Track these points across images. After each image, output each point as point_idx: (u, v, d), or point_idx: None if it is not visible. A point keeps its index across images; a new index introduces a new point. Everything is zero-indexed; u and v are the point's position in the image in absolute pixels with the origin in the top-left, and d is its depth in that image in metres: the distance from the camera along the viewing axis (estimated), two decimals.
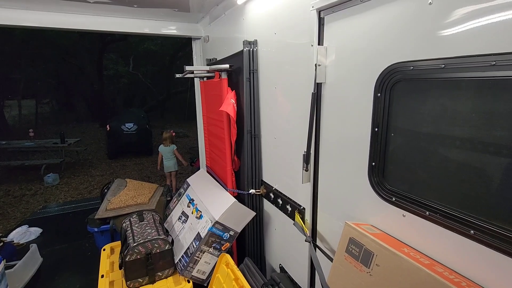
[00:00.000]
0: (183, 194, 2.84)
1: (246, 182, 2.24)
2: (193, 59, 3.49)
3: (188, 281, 2.15)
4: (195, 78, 3.42)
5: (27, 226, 4.19)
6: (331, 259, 1.44)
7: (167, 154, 5.25)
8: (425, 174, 1.03)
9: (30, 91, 14.78)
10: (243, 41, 2.05)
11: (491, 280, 0.85)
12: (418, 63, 0.99)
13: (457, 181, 0.93)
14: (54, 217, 4.85)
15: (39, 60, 13.21)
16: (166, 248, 2.18)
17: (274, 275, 1.97)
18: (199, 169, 3.43)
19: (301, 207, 1.72)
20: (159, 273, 2.17)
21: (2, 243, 3.13)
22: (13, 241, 3.69)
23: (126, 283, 2.08)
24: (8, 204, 5.71)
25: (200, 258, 2.13)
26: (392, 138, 1.14)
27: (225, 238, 2.15)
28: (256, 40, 2.04)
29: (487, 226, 0.84)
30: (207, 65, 3.06)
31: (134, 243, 2.10)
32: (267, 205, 2.23)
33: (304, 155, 1.58)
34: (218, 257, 2.17)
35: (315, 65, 1.43)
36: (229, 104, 2.17)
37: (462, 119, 0.90)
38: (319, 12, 1.42)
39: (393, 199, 1.13)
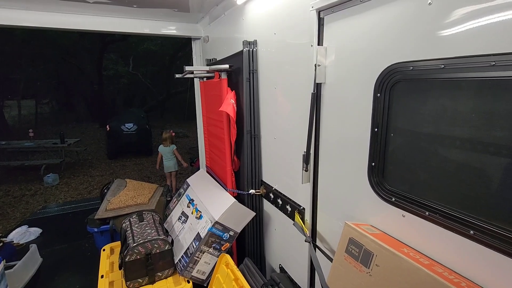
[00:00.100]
0: (183, 194, 2.84)
1: (246, 182, 2.24)
2: (193, 59, 3.49)
3: (188, 282, 2.15)
4: (195, 78, 3.42)
5: (27, 226, 4.19)
6: (331, 259, 1.44)
7: (167, 154, 5.26)
8: (425, 174, 1.03)
9: (30, 91, 14.77)
10: (243, 41, 2.05)
11: (491, 280, 0.85)
12: (418, 63, 0.99)
13: (457, 181, 0.93)
14: (54, 217, 4.85)
15: (39, 60, 13.21)
16: (166, 248, 2.18)
17: (274, 275, 1.97)
18: (199, 169, 3.43)
19: (301, 207, 1.72)
20: (159, 274, 2.17)
21: (2, 243, 3.13)
22: (13, 241, 3.69)
23: (126, 283, 2.08)
24: (7, 204, 5.71)
25: (200, 258, 2.13)
26: (392, 138, 1.13)
27: (225, 238, 2.15)
28: (255, 40, 2.04)
29: (487, 226, 0.84)
30: (207, 65, 3.06)
31: (134, 243, 2.10)
32: (267, 205, 2.23)
33: (304, 155, 1.58)
34: (218, 257, 2.17)
35: (315, 65, 1.43)
36: (228, 104, 2.17)
37: (462, 119, 0.90)
38: (318, 12, 1.42)
39: (393, 199, 1.13)
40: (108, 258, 2.47)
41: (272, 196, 2.08)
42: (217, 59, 2.80)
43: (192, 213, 2.44)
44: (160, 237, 2.19)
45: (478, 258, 0.87)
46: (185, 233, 2.36)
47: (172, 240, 2.40)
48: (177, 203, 2.84)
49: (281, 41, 1.75)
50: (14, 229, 4.10)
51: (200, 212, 2.32)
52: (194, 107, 3.61)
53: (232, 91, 2.28)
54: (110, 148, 9.11)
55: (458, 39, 0.87)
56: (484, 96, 0.84)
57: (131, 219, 2.50)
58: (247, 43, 2.05)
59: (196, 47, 3.43)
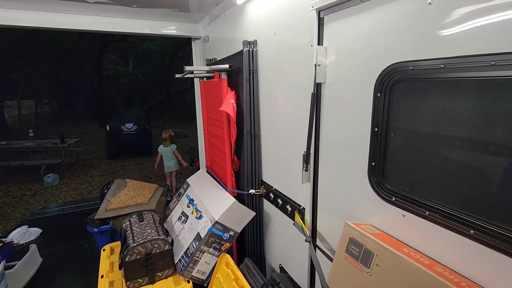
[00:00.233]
0: (183, 194, 2.84)
1: (246, 182, 2.24)
2: (193, 59, 3.49)
3: (188, 281, 2.15)
4: (195, 78, 3.42)
5: (27, 226, 4.19)
6: (331, 259, 1.44)
7: (168, 154, 5.25)
8: (425, 174, 1.03)
9: (30, 91, 14.77)
10: (243, 41, 2.05)
11: (491, 280, 0.85)
12: (417, 63, 0.99)
13: (457, 181, 0.93)
14: (54, 217, 4.85)
15: (39, 60, 13.21)
16: (166, 248, 2.18)
17: (274, 275, 1.97)
18: (199, 169, 3.43)
19: (301, 207, 1.72)
20: (159, 274, 2.17)
21: (2, 244, 3.14)
22: (13, 241, 3.69)
23: (126, 283, 2.08)
24: (8, 204, 5.71)
25: (200, 258, 2.13)
26: (392, 138, 1.13)
27: (225, 238, 2.15)
28: (255, 40, 2.04)
29: (487, 226, 0.84)
30: (207, 65, 3.05)
31: (134, 243, 2.10)
32: (267, 205, 2.23)
33: (304, 155, 1.58)
34: (218, 257, 2.17)
35: (315, 65, 1.43)
36: (228, 104, 2.17)
37: (462, 119, 0.90)
38: (318, 12, 1.42)
39: (393, 199, 1.13)
40: (108, 258, 2.47)
41: (272, 196, 2.08)
42: (217, 59, 2.80)
43: (192, 213, 2.44)
44: (160, 237, 2.19)
45: (478, 258, 0.87)
46: (185, 233, 2.36)
47: (172, 240, 2.40)
48: (177, 203, 2.84)
49: (281, 41, 1.75)
50: (14, 229, 4.10)
51: (200, 212, 2.32)
52: (194, 107, 3.61)
53: (232, 91, 2.28)
54: (110, 148, 9.11)
55: (458, 38, 0.87)
56: (484, 95, 0.84)
57: (131, 219, 2.50)
58: (247, 43, 2.05)
59: (196, 47, 3.43)
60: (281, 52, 1.77)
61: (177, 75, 2.94)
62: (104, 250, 2.60)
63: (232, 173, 2.45)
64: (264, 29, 1.93)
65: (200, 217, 2.28)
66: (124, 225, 2.46)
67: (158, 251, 2.14)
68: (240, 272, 1.92)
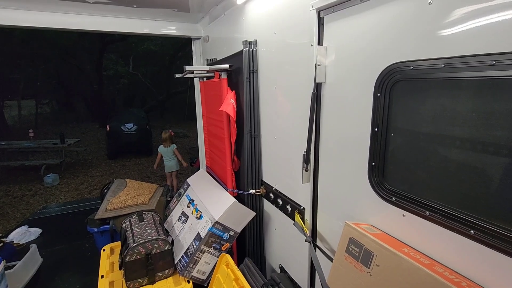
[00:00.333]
0: (183, 194, 2.84)
1: (246, 182, 2.24)
2: (193, 59, 3.49)
3: (188, 282, 2.15)
4: (195, 78, 3.42)
5: (27, 226, 4.19)
6: (331, 259, 1.44)
7: (168, 154, 5.25)
8: (425, 174, 1.03)
9: (30, 91, 14.78)
10: (243, 41, 2.05)
11: (491, 280, 0.85)
12: (417, 63, 0.99)
13: (457, 181, 0.93)
14: (54, 217, 4.85)
15: (39, 60, 13.22)
16: (166, 248, 2.18)
17: (274, 275, 1.97)
18: (199, 169, 3.43)
19: (301, 207, 1.72)
20: (159, 274, 2.17)
21: (2, 244, 3.14)
22: (13, 241, 3.69)
23: (126, 283, 2.08)
24: (8, 204, 5.71)
25: (200, 258, 2.13)
26: (392, 138, 1.13)
27: (225, 238, 2.15)
28: (255, 40, 2.04)
29: (487, 226, 0.84)
30: (207, 65, 3.05)
31: (134, 243, 2.10)
32: (267, 205, 2.23)
33: (304, 155, 1.58)
34: (218, 257, 2.17)
35: (315, 65, 1.43)
36: (228, 104, 2.17)
37: (462, 119, 0.90)
38: (318, 12, 1.42)
39: (393, 199, 1.13)
40: (108, 258, 2.47)
41: (272, 196, 2.08)
42: (217, 59, 2.80)
43: (192, 213, 2.44)
44: (160, 237, 2.19)
45: (478, 258, 0.87)
46: (185, 233, 2.36)
47: (172, 240, 2.40)
48: (177, 203, 2.84)
49: (281, 41, 1.75)
50: (14, 229, 4.10)
51: (200, 212, 2.32)
52: (194, 107, 3.61)
53: (232, 91, 2.28)
54: (110, 148, 9.11)
55: (458, 38, 0.87)
56: (484, 95, 0.84)
57: (131, 219, 2.50)
58: (247, 43, 2.05)
59: (196, 47, 3.43)
60: (281, 52, 1.77)
61: (177, 75, 2.94)
62: (104, 250, 2.60)
63: (232, 173, 2.45)
64: (264, 29, 1.93)
65: (200, 217, 2.28)
66: (124, 225, 2.46)
67: (158, 251, 2.14)
68: (240, 272, 1.92)
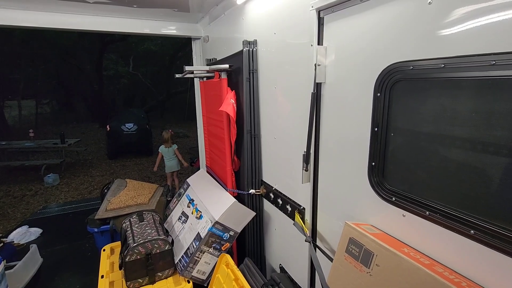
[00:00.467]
0: (183, 194, 2.84)
1: (246, 182, 2.24)
2: (193, 59, 3.49)
3: (188, 282, 2.15)
4: (195, 78, 3.42)
5: (27, 226, 4.19)
6: (331, 259, 1.44)
7: (169, 154, 5.25)
8: (425, 174, 1.03)
9: (30, 91, 14.78)
10: (243, 41, 2.05)
11: (491, 280, 0.85)
12: (417, 62, 0.99)
13: (457, 181, 0.93)
14: (54, 217, 4.85)
15: (39, 60, 13.22)
16: (166, 248, 2.18)
17: (274, 275, 1.97)
18: (199, 169, 3.43)
19: (301, 207, 1.72)
20: (159, 274, 2.17)
21: (2, 244, 3.14)
22: (13, 241, 3.69)
23: (126, 283, 2.08)
24: (8, 204, 5.71)
25: (200, 258, 2.13)
26: (392, 138, 1.13)
27: (225, 238, 2.15)
28: (255, 40, 2.04)
29: (487, 226, 0.84)
30: (207, 65, 3.05)
31: (134, 243, 2.10)
32: (267, 205, 2.23)
33: (304, 155, 1.58)
34: (218, 257, 2.17)
35: (315, 65, 1.42)
36: (228, 104, 2.17)
37: (462, 118, 0.90)
38: (318, 12, 1.41)
39: (393, 199, 1.13)
40: (108, 258, 2.47)
41: (272, 196, 2.08)
42: (217, 59, 2.80)
43: (192, 213, 2.44)
44: (160, 237, 2.19)
45: (478, 258, 0.87)
46: (185, 233, 2.36)
47: (172, 240, 2.40)
48: (177, 203, 2.84)
49: (281, 41, 1.75)
50: (15, 229, 4.10)
51: (200, 212, 2.32)
52: (194, 107, 3.61)
53: (232, 91, 2.28)
54: (110, 148, 9.11)
55: (458, 38, 0.87)
56: (484, 95, 0.84)
57: (131, 219, 2.50)
58: (247, 43, 2.05)
59: (196, 47, 3.43)
60: (281, 52, 1.77)
61: (177, 75, 2.94)
62: (104, 250, 2.60)
63: (232, 173, 2.45)
64: (264, 29, 1.93)
65: (200, 217, 2.28)
66: (124, 225, 2.47)
67: (158, 251, 2.14)
68: (240, 272, 1.92)
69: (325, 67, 1.43)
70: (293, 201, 1.81)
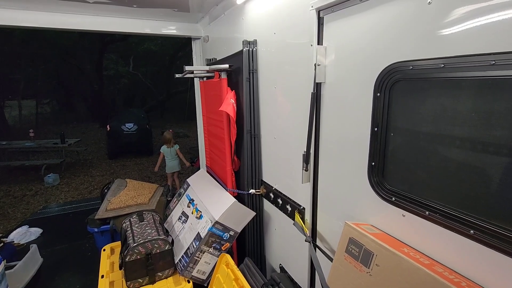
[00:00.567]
0: (183, 194, 2.84)
1: (246, 182, 2.24)
2: (193, 59, 3.49)
3: (188, 281, 2.15)
4: (195, 78, 3.42)
5: (27, 226, 4.19)
6: (331, 259, 1.44)
7: (171, 154, 5.24)
8: (425, 174, 1.03)
9: (30, 91, 14.79)
10: (243, 41, 2.05)
11: (491, 280, 0.85)
12: (417, 62, 0.99)
13: (457, 181, 0.93)
14: (55, 217, 4.86)
15: (39, 60, 13.22)
16: (166, 248, 2.18)
17: (274, 275, 1.97)
18: (199, 169, 3.43)
19: (301, 207, 1.72)
20: (159, 273, 2.17)
21: (2, 244, 3.14)
22: (14, 241, 3.69)
23: (126, 283, 2.08)
24: (8, 204, 5.71)
25: (200, 258, 2.13)
26: (391, 138, 1.13)
27: (225, 238, 2.15)
28: (255, 40, 2.04)
29: (487, 226, 0.84)
30: (207, 65, 3.05)
31: (134, 243, 2.10)
32: (267, 205, 2.23)
33: (303, 155, 1.58)
34: (218, 257, 2.17)
35: (315, 64, 1.42)
36: (228, 104, 2.17)
37: (462, 118, 0.90)
38: (318, 12, 1.41)
39: (393, 199, 1.13)
40: (109, 258, 2.48)
41: (272, 196, 2.08)
42: (217, 59, 2.80)
43: (192, 213, 2.44)
44: (160, 237, 2.19)
45: (478, 258, 0.87)
46: (185, 233, 2.36)
47: (172, 240, 2.40)
48: (177, 203, 2.85)
49: (281, 41, 1.75)
50: (15, 229, 4.11)
51: (200, 212, 2.32)
52: (194, 107, 3.61)
53: (232, 90, 2.28)
54: (111, 148, 9.11)
55: (458, 38, 0.87)
56: (484, 95, 0.84)
57: (131, 219, 2.50)
58: (247, 43, 2.05)
59: (196, 47, 3.43)
60: (281, 52, 1.77)
61: (177, 75, 2.94)
62: (104, 250, 2.60)
63: (232, 173, 2.45)
64: (264, 29, 1.93)
65: (200, 217, 2.28)
66: (124, 225, 2.47)
67: (158, 251, 2.15)
68: (240, 272, 1.92)
69: (325, 67, 1.43)
70: (293, 201, 1.81)
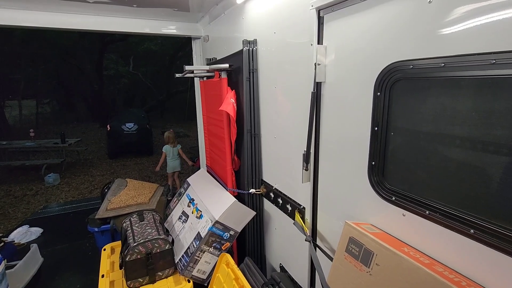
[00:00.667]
0: (183, 194, 2.84)
1: (246, 181, 2.24)
2: (193, 58, 3.49)
3: (189, 281, 2.15)
4: (195, 78, 3.42)
5: (28, 226, 4.20)
6: (331, 259, 1.44)
7: (174, 154, 5.24)
8: (425, 173, 1.03)
9: (31, 91, 14.80)
10: (243, 41, 2.05)
11: (491, 280, 0.85)
12: (417, 61, 0.99)
13: (457, 180, 0.93)
14: (55, 217, 4.86)
15: (39, 60, 13.23)
16: (166, 247, 2.18)
17: (275, 275, 1.97)
18: (199, 168, 3.43)
19: (301, 207, 1.72)
20: (160, 273, 2.17)
21: (3, 243, 3.14)
22: (14, 241, 3.69)
23: (126, 283, 2.08)
24: (9, 204, 5.72)
25: (201, 258, 2.13)
26: (392, 137, 1.13)
27: (225, 238, 2.15)
28: (255, 40, 2.04)
29: (487, 225, 0.84)
30: (207, 64, 3.06)
31: (135, 243, 2.11)
32: (267, 205, 2.23)
33: (304, 154, 1.58)
34: (218, 256, 2.17)
35: (315, 64, 1.42)
36: (229, 104, 2.17)
37: (462, 118, 0.89)
38: (318, 11, 1.41)
39: (393, 198, 1.13)
40: (109, 257, 2.48)
41: (273, 196, 2.08)
42: (217, 59, 2.80)
43: (192, 213, 2.44)
44: (161, 237, 2.19)
45: (478, 257, 0.87)
46: (186, 232, 2.36)
47: (173, 240, 2.40)
48: (178, 202, 2.85)
49: (281, 40, 1.75)
50: (15, 228, 4.11)
51: (201, 211, 2.33)
52: (194, 106, 3.61)
53: (232, 90, 2.28)
54: (111, 147, 9.12)
55: (458, 37, 0.87)
56: (484, 94, 0.84)
57: (132, 219, 2.50)
58: (247, 42, 2.05)
59: (196, 46, 3.42)
60: (281, 52, 1.77)
61: (177, 75, 2.94)
62: (104, 249, 2.61)
63: (233, 173, 2.45)
64: (264, 28, 1.92)
65: (200, 217, 2.28)
66: (124, 224, 2.47)
67: (158, 250, 2.15)
68: (240, 271, 1.92)
69: (325, 67, 1.43)
70: (293, 201, 1.81)
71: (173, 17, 3.00)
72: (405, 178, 1.11)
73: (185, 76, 2.73)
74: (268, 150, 2.12)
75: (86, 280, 3.04)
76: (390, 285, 0.99)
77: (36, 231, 4.07)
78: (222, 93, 2.30)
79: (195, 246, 2.13)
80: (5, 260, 2.45)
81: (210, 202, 2.33)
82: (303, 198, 1.71)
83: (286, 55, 1.72)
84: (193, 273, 2.15)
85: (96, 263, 2.44)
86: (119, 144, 8.90)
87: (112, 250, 2.62)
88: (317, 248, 1.61)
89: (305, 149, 1.56)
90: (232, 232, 2.16)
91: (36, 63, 13.40)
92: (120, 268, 2.14)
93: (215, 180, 2.71)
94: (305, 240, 1.59)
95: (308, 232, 1.64)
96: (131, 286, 2.09)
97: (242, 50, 2.06)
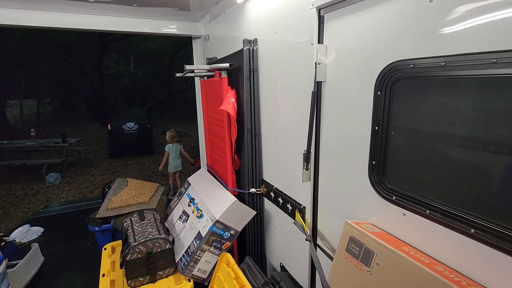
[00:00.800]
0: (184, 193, 2.84)
1: (247, 181, 2.24)
2: (194, 58, 3.49)
3: (189, 280, 2.15)
4: (195, 77, 3.42)
5: (29, 225, 4.21)
6: (331, 258, 1.44)
7: (176, 152, 5.25)
8: (426, 172, 1.02)
9: (31, 91, 14.82)
10: (243, 40, 2.05)
11: (492, 279, 0.85)
12: (418, 61, 0.98)
13: (458, 180, 0.93)
14: (56, 216, 4.87)
15: (40, 60, 13.23)
16: (167, 247, 2.19)
17: (275, 274, 1.97)
18: (200, 168, 3.43)
19: (302, 206, 1.72)
20: (160, 272, 2.17)
21: (4, 242, 3.14)
22: (15, 240, 3.69)
23: (127, 282, 2.08)
24: (10, 203, 5.73)
25: (201, 257, 2.13)
26: (392, 137, 1.13)
27: (225, 237, 2.15)
28: (256, 39, 2.03)
29: (488, 225, 0.83)
30: (207, 64, 3.05)
31: (135, 242, 2.11)
32: (268, 204, 2.23)
33: (304, 154, 1.58)
34: (218, 256, 2.17)
35: (315, 63, 1.42)
36: (229, 103, 2.17)
37: (463, 117, 0.89)
38: (319, 10, 1.41)
39: (394, 197, 1.13)
40: (110, 257, 2.48)
41: (273, 195, 2.08)
42: (218, 58, 2.80)
43: (193, 212, 2.44)
44: (161, 236, 2.20)
45: (478, 257, 0.87)
46: (186, 232, 2.36)
47: (173, 239, 2.41)
48: (178, 202, 2.85)
49: (282, 40, 1.74)
50: (16, 228, 4.12)
51: (201, 211, 2.33)
52: (194, 106, 3.61)
53: (232, 89, 2.28)
54: (112, 147, 9.13)
55: (459, 36, 0.87)
56: (485, 93, 0.84)
57: (132, 218, 2.50)
58: (247, 42, 2.04)
59: (196, 46, 3.42)
60: (282, 51, 1.77)
61: (177, 74, 2.94)
62: (105, 249, 2.61)
63: (233, 172, 2.45)
64: (264, 27, 1.92)
65: (201, 216, 2.29)
66: (125, 224, 2.47)
67: (159, 250, 2.15)
68: (240, 271, 1.93)
69: (325, 66, 1.43)
70: (294, 200, 1.81)
71: (174, 17, 3.00)
72: (405, 177, 1.11)
73: (185, 75, 2.73)
74: (269, 149, 2.12)
75: (87, 279, 3.05)
76: (391, 285, 0.99)
77: (37, 231, 4.08)
78: (222, 93, 2.30)
79: (195, 245, 2.13)
80: (6, 259, 2.46)
81: (210, 202, 2.33)
82: (304, 197, 1.71)
83: (286, 55, 1.72)
84: (193, 273, 2.16)
85: (97, 263, 2.45)
86: (120, 143, 8.91)
87: (113, 250, 2.62)
88: (317, 248, 1.61)
89: (306, 149, 1.56)
90: (232, 232, 2.16)
91: (37, 62, 13.40)
92: (121, 267, 2.14)
93: (215, 180, 2.71)
94: (306, 240, 1.59)
95: (309, 231, 1.64)
96: (132, 285, 2.09)
97: (242, 49, 2.06)
